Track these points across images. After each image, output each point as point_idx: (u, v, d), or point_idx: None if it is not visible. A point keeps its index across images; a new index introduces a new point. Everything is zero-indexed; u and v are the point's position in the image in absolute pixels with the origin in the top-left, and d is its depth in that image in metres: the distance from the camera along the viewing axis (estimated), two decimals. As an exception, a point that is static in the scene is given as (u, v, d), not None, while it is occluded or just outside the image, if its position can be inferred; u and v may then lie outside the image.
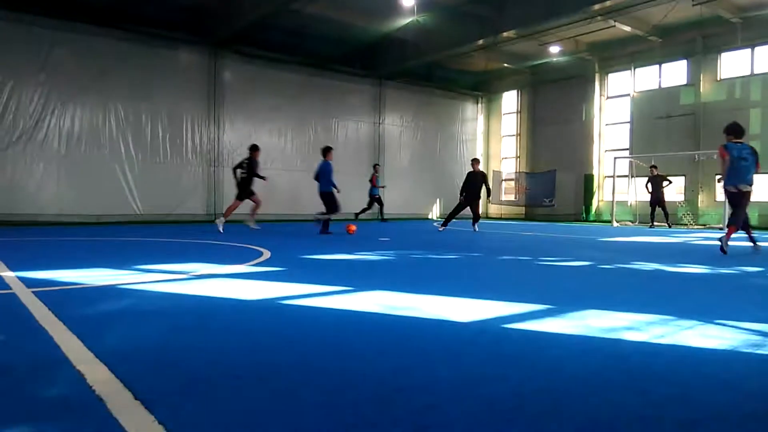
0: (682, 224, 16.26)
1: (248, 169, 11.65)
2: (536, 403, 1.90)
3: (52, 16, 13.53)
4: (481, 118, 23.54)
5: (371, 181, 17.72)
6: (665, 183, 15.61)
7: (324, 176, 10.99)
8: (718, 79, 16.85)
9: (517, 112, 22.74)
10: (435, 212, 21.76)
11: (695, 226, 16.08)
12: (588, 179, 19.78)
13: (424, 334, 2.89)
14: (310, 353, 2.50)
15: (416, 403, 1.89)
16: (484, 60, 18.81)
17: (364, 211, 17.49)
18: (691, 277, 5.54)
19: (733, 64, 16.68)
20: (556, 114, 20.94)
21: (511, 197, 22.11)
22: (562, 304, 3.72)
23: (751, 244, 8.17)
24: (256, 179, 11.68)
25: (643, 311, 3.45)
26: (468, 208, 12.72)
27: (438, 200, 21.88)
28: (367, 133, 19.82)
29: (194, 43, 15.80)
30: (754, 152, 7.61)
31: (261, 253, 6.79)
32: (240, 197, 11.64)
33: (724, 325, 3.14)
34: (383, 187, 18.03)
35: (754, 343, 2.73)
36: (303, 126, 18.03)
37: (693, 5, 14.46)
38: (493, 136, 23.60)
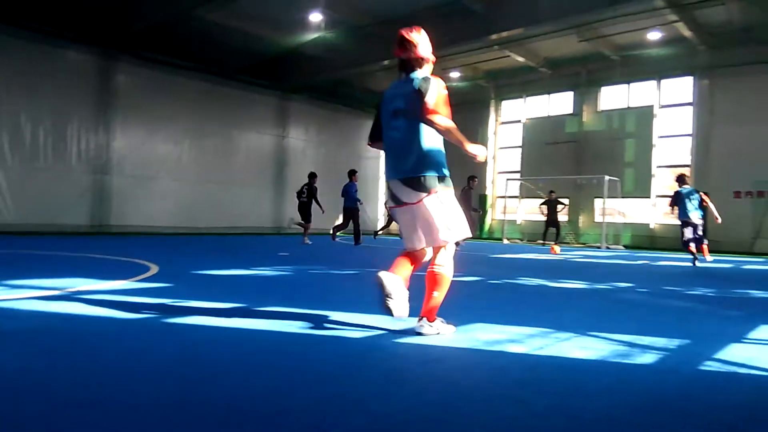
0: (564, 243, 17.44)
1: (308, 194, 13.55)
2: (422, 419, 1.92)
3: None
4: (384, 136, 23.94)
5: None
6: (560, 207, 16.71)
7: (349, 195, 13.51)
8: (599, 110, 18.40)
9: (419, 132, 23.39)
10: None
11: (576, 245, 17.31)
12: (482, 199, 20.73)
13: (316, 352, 2.85)
14: (191, 375, 2.37)
15: (300, 423, 1.85)
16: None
17: (383, 228, 17.49)
18: (571, 291, 5.94)
19: (612, 97, 18.31)
20: (455, 136, 21.77)
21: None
22: (452, 318, 3.82)
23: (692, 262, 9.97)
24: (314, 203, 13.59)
25: (527, 324, 3.64)
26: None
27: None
28: (270, 146, 19.48)
29: (84, 43, 14.77)
30: (698, 193, 10.26)
31: (148, 268, 6.40)
32: (307, 220, 13.64)
33: (596, 336, 3.38)
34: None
35: (621, 353, 2.96)
36: (202, 135, 17.36)
37: (579, 41, 15.73)
38: (396, 155, 24.07)
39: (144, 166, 16.04)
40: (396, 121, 3.29)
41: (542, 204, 16.80)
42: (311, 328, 3.39)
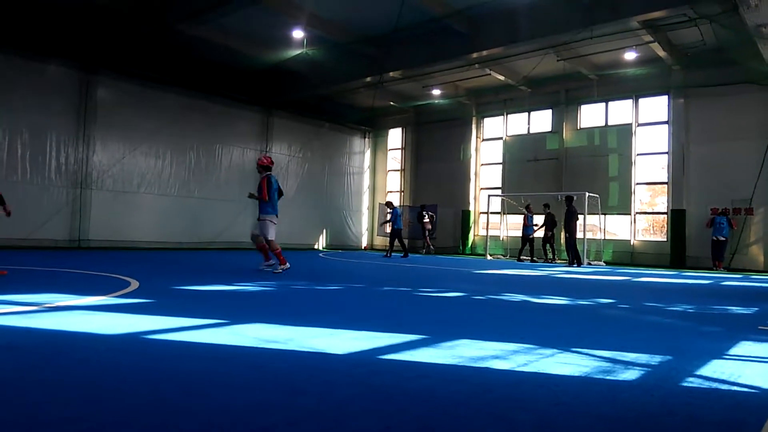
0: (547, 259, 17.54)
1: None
2: (406, 435, 1.91)
3: None
4: (368, 152, 24.05)
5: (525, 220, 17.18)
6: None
7: (395, 220, 16.68)
8: (578, 128, 18.69)
9: (401, 149, 23.55)
10: (321, 243, 21.69)
11: (559, 261, 17.42)
12: (465, 214, 20.85)
13: (299, 369, 2.82)
14: (171, 392, 2.33)
15: (284, 440, 1.82)
16: (371, 97, 19.36)
17: (521, 251, 17.04)
18: (553, 307, 5.97)
19: (591, 115, 18.63)
20: (438, 152, 21.97)
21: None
22: (436, 334, 3.82)
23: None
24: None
25: (510, 340, 3.64)
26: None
27: (324, 231, 21.84)
28: (253, 161, 19.32)
29: (64, 56, 14.64)
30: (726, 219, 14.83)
31: (128, 284, 6.30)
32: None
33: (579, 352, 3.39)
34: (535, 226, 17.14)
35: (604, 369, 2.97)
36: (183, 149, 17.25)
37: (557, 61, 16.02)
38: (380, 171, 24.19)
39: (124, 180, 15.87)
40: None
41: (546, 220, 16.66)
42: (294, 343, 3.35)
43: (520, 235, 17.54)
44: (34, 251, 12.63)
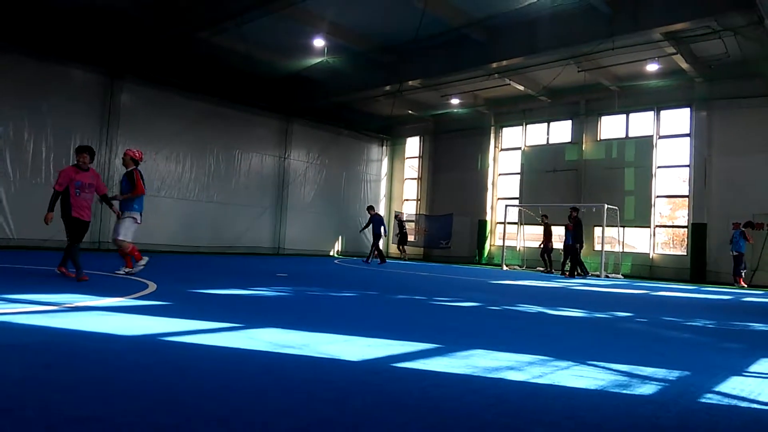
0: (564, 271, 17.34)
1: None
2: (418, 444, 1.90)
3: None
4: (385, 160, 24.09)
5: (567, 228, 15.98)
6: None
7: (375, 224, 16.28)
8: (598, 139, 18.52)
9: (419, 157, 23.55)
10: (336, 249, 21.74)
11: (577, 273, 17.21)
12: (481, 224, 20.74)
13: (313, 375, 2.83)
14: (185, 395, 2.35)
15: (297, 445, 1.82)
16: (390, 105, 19.41)
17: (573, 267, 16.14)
18: (570, 320, 5.91)
19: (611, 126, 18.46)
20: (455, 161, 21.93)
21: (411, 238, 22.61)
22: (451, 344, 3.81)
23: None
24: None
25: (525, 352, 3.62)
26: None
27: (340, 238, 21.89)
28: (272, 167, 19.56)
29: (89, 62, 14.92)
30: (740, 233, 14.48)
31: (146, 286, 6.38)
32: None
33: (596, 366, 3.35)
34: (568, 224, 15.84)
35: (621, 383, 2.94)
36: (203, 155, 17.45)
37: (578, 71, 15.92)
38: (396, 179, 24.21)
39: (145, 183, 16.06)
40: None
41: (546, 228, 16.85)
42: (308, 349, 3.36)
43: (561, 248, 16.45)
44: (56, 252, 12.83)
